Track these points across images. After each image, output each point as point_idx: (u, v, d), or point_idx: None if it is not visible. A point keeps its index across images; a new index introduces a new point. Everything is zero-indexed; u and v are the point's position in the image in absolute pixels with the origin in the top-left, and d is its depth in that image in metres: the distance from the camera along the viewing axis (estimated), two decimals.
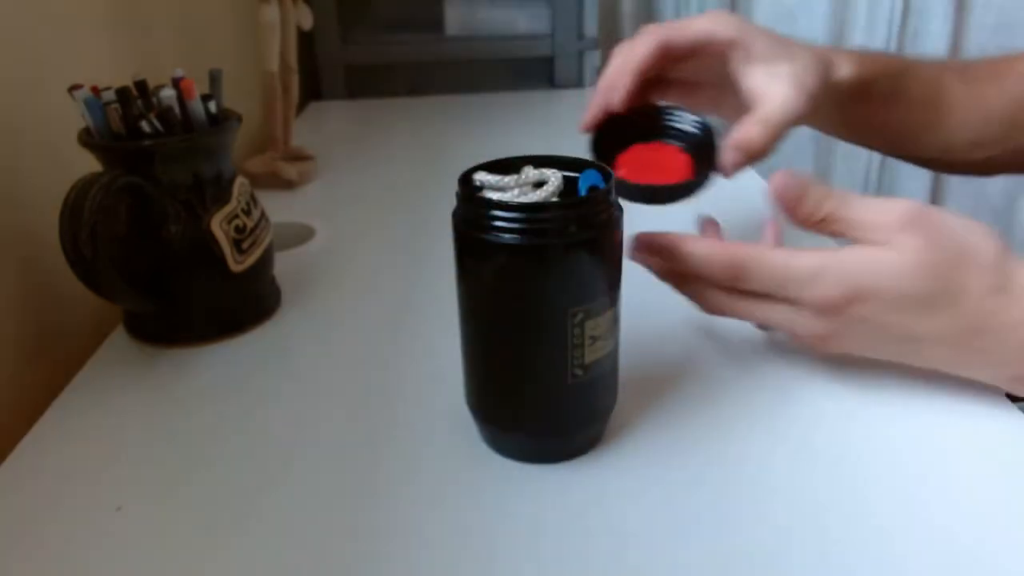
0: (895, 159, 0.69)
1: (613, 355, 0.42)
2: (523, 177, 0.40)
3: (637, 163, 0.51)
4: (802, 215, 0.43)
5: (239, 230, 0.54)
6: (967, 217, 0.41)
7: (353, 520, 0.39)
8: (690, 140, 0.54)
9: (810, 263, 0.41)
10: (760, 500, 0.40)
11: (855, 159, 1.71)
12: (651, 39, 0.53)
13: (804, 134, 1.70)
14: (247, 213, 0.55)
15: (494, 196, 0.39)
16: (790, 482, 0.41)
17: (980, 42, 1.55)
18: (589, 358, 0.40)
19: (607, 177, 0.40)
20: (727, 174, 0.50)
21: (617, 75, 0.53)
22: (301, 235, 0.73)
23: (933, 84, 0.61)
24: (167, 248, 0.52)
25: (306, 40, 1.20)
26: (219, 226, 0.53)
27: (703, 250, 0.43)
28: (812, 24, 1.62)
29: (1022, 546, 0.36)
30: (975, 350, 0.41)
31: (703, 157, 0.52)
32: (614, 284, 0.40)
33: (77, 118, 0.51)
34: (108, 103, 0.51)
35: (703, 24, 0.53)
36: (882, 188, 1.74)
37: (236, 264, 0.54)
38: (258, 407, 0.48)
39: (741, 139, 0.49)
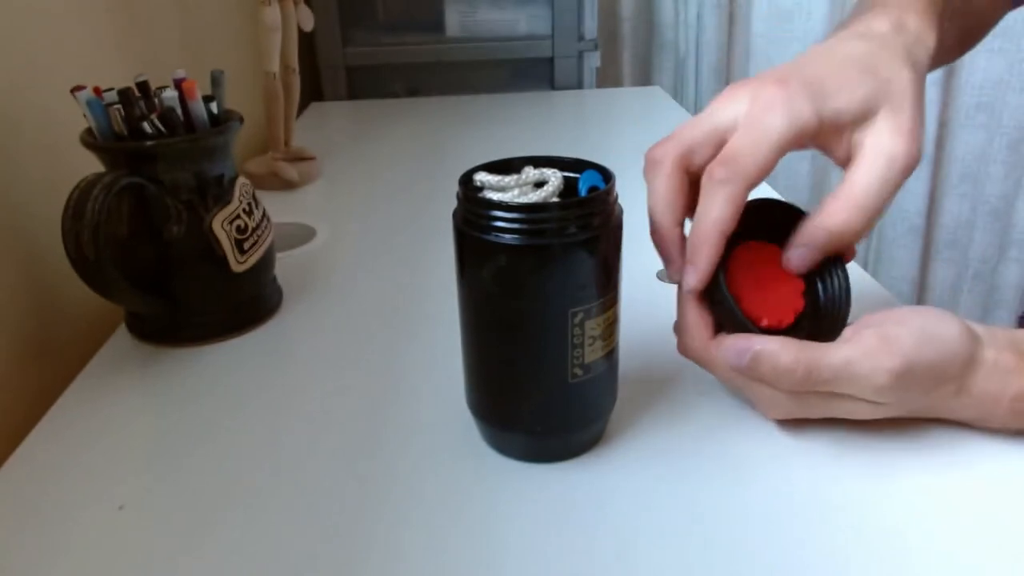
0: None
1: (613, 354, 0.42)
2: (523, 177, 0.40)
3: (747, 274, 0.43)
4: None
5: (240, 230, 0.55)
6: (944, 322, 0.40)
7: (355, 519, 0.39)
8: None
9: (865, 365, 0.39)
10: (761, 499, 0.40)
11: None
12: (669, 166, 0.42)
13: None
14: (249, 213, 0.56)
15: (495, 196, 0.39)
16: (791, 482, 0.41)
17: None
18: (589, 358, 0.40)
19: (607, 178, 0.40)
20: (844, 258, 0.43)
21: (671, 240, 0.42)
22: (302, 235, 0.73)
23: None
24: (169, 248, 0.53)
25: (307, 41, 1.20)
26: (221, 226, 0.53)
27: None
28: (810, 25, 1.63)
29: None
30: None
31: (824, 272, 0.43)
32: (614, 284, 0.40)
33: (79, 119, 0.51)
34: (110, 104, 0.51)
35: (775, 133, 0.39)
36: None
37: (238, 264, 0.54)
38: (260, 406, 0.49)
39: (828, 225, 0.40)
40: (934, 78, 1.58)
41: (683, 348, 0.44)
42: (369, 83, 1.35)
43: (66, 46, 0.62)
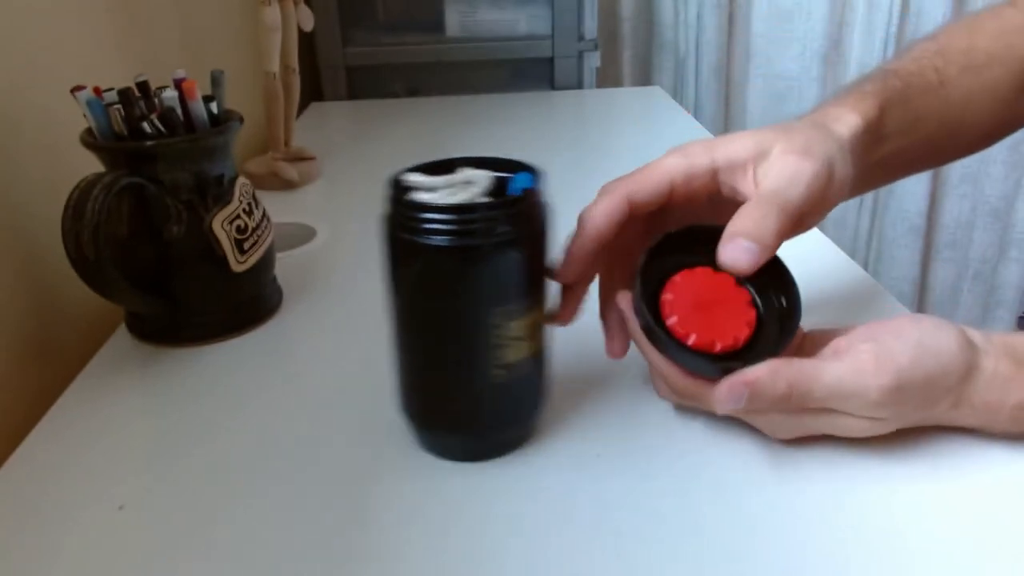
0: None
1: (540, 355, 0.42)
2: (452, 178, 0.40)
3: (689, 302, 0.41)
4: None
5: (240, 230, 0.55)
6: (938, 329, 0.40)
7: (357, 518, 0.39)
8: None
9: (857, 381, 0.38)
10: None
11: None
12: (611, 203, 0.42)
13: None
14: (249, 213, 0.56)
15: (422, 197, 0.39)
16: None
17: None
18: (511, 358, 0.40)
19: (537, 178, 0.40)
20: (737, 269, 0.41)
21: (575, 253, 0.43)
22: (302, 235, 0.73)
23: (938, 92, 0.53)
24: (169, 248, 0.53)
25: (307, 41, 1.20)
26: (221, 226, 0.53)
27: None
28: (810, 25, 1.63)
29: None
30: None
31: (766, 283, 0.42)
32: (536, 287, 0.40)
33: (79, 119, 0.51)
34: (110, 104, 0.51)
35: (668, 165, 0.43)
36: (880, 189, 1.74)
37: (238, 264, 0.54)
38: (260, 407, 0.49)
39: (739, 230, 0.40)
40: None
41: (665, 393, 0.44)
42: (369, 83, 1.35)
43: (66, 46, 0.62)
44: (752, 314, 0.41)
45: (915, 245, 1.76)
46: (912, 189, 1.70)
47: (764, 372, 0.38)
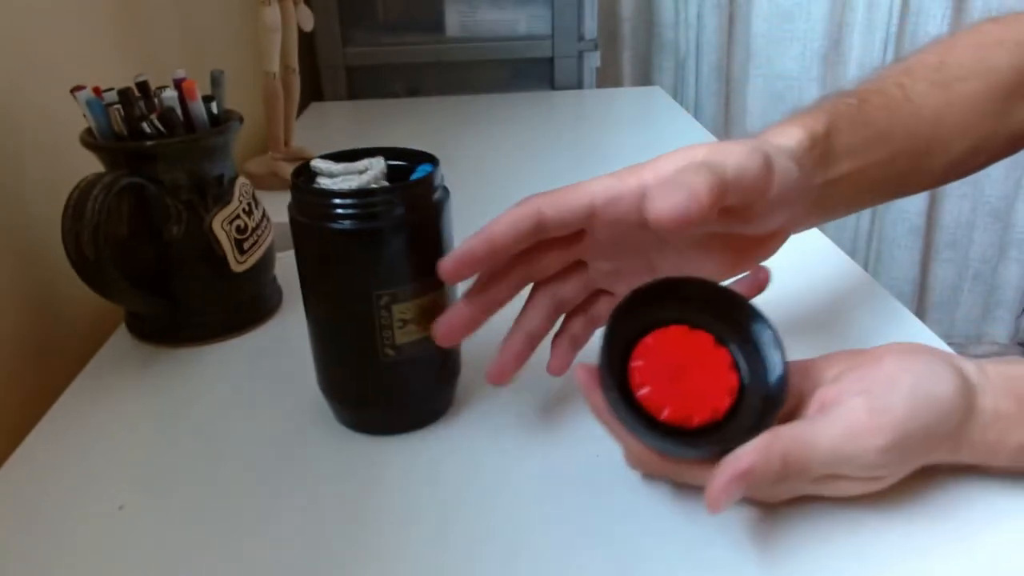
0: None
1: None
2: (351, 165, 0.42)
3: (662, 368, 0.36)
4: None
5: (240, 230, 0.55)
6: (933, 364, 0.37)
7: (358, 517, 0.39)
8: (717, 310, 0.38)
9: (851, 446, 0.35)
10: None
11: None
12: (518, 213, 0.39)
13: None
14: (248, 213, 0.56)
15: (324, 183, 0.41)
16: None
17: None
18: (401, 340, 0.41)
19: (433, 169, 0.41)
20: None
21: (461, 249, 0.39)
22: None
23: (904, 107, 0.49)
24: (169, 248, 0.53)
25: (307, 41, 1.20)
26: (220, 226, 0.53)
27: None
28: (810, 25, 1.63)
29: None
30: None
31: (747, 342, 0.38)
32: (427, 273, 0.41)
33: (79, 119, 0.51)
34: (110, 104, 0.51)
35: (591, 186, 0.40)
36: None
37: (237, 264, 0.54)
38: (260, 406, 0.49)
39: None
40: None
41: (635, 464, 0.40)
42: (369, 83, 1.35)
43: (66, 46, 0.62)
44: (734, 379, 0.36)
45: (915, 245, 1.76)
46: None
47: (756, 456, 0.34)
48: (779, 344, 0.37)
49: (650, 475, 0.40)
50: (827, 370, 0.38)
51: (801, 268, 0.62)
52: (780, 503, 0.38)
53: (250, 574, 0.36)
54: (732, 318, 0.38)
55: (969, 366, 0.38)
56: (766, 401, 0.36)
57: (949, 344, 0.48)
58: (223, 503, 0.41)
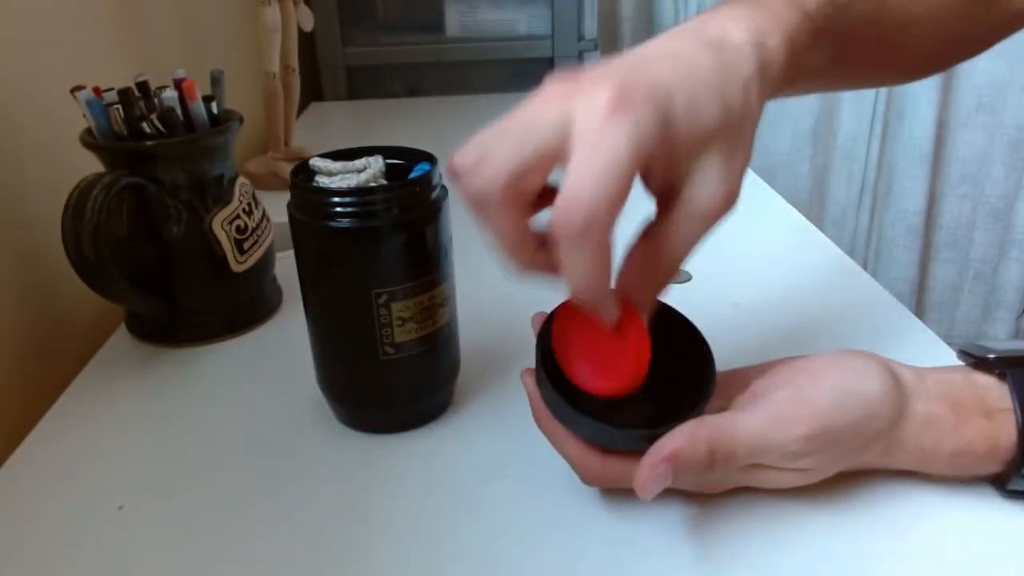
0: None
1: (437, 336, 0.43)
2: (349, 164, 0.42)
3: (579, 332, 0.37)
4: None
5: (240, 230, 0.55)
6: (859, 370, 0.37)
7: (358, 516, 0.39)
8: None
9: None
10: None
11: (852, 160, 1.71)
12: (501, 204, 0.32)
13: (803, 134, 1.71)
14: (248, 213, 0.56)
15: (322, 181, 0.41)
16: None
17: None
18: (400, 338, 0.41)
19: (431, 169, 0.41)
20: None
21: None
22: None
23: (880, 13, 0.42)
24: (169, 248, 0.53)
25: (307, 41, 1.20)
26: (220, 226, 0.53)
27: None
28: None
29: None
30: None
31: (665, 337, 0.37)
32: (428, 269, 0.41)
33: (79, 119, 0.51)
34: (110, 104, 0.51)
35: (545, 130, 0.32)
36: (879, 188, 1.74)
37: (237, 264, 0.54)
38: (260, 406, 0.49)
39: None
40: (935, 79, 1.58)
41: (590, 478, 0.38)
42: (369, 83, 1.35)
43: (66, 46, 0.62)
44: (646, 340, 0.35)
45: (914, 245, 1.76)
46: (912, 189, 1.70)
47: (682, 440, 0.34)
48: (704, 340, 0.38)
49: (597, 484, 0.39)
50: (762, 371, 0.39)
51: (800, 268, 0.62)
52: (715, 494, 0.38)
53: (250, 573, 0.36)
54: (664, 320, 0.38)
55: (906, 372, 0.38)
56: (694, 393, 0.37)
57: (949, 344, 0.48)
58: (223, 503, 0.41)
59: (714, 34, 0.34)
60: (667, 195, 0.34)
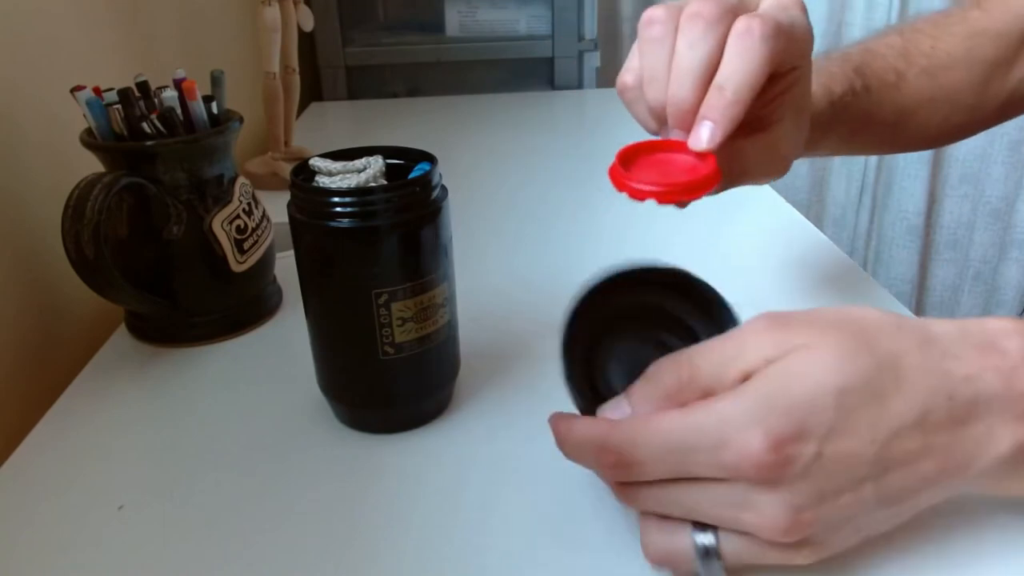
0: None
1: (437, 335, 0.43)
2: (349, 164, 0.42)
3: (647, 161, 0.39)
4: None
5: (240, 230, 0.55)
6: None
7: (358, 515, 0.39)
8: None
9: (705, 419, 0.30)
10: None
11: (852, 160, 1.71)
12: (720, 20, 0.37)
13: None
14: (248, 213, 0.56)
15: (322, 181, 0.41)
16: None
17: None
18: (400, 338, 0.41)
19: (430, 169, 0.41)
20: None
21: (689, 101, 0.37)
22: None
23: (893, 93, 0.54)
24: (169, 248, 0.53)
25: (307, 41, 1.20)
26: (220, 226, 0.53)
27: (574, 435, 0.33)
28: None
29: None
30: (956, 422, 0.30)
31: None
32: (428, 269, 0.41)
33: (79, 119, 0.51)
34: (110, 104, 0.51)
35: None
36: (879, 188, 1.74)
37: (237, 264, 0.54)
38: (260, 406, 0.49)
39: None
40: None
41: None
42: (369, 83, 1.35)
43: (66, 46, 0.62)
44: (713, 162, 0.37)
45: (914, 245, 1.76)
46: (912, 189, 1.70)
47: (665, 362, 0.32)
48: (737, 320, 0.37)
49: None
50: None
51: (800, 267, 0.62)
52: None
53: (250, 573, 0.36)
54: (702, 306, 0.37)
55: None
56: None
57: None
58: (223, 503, 0.41)
59: None
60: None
